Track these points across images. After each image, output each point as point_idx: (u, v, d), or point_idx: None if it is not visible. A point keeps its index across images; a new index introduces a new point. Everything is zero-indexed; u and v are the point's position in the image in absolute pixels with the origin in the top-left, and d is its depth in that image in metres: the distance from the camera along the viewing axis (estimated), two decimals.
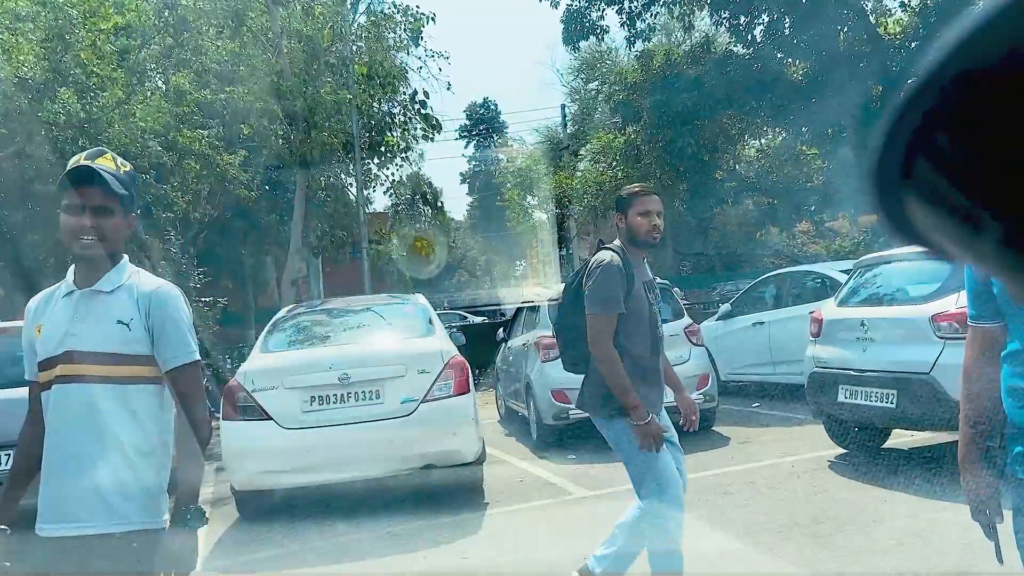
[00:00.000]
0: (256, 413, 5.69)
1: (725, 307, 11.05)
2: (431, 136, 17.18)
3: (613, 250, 3.52)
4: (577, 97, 37.34)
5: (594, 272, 3.47)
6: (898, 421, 5.88)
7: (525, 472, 7.30)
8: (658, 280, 10.21)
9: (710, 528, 5.00)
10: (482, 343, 13.55)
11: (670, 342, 8.29)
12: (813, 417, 6.85)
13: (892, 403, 5.67)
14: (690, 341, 8.25)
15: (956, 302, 5.38)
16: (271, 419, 5.70)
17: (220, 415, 5.85)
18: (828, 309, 6.68)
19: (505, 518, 5.81)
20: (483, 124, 51.55)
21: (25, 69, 12.17)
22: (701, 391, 8.03)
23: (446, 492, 6.45)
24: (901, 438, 6.77)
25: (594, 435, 8.16)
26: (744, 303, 10.79)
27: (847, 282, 6.80)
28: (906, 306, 5.88)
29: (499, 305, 26.18)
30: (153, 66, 15.66)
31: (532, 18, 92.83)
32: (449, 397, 5.93)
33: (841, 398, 6.11)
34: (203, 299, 14.18)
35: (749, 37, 14.92)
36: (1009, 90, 0.38)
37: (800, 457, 6.70)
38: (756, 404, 9.93)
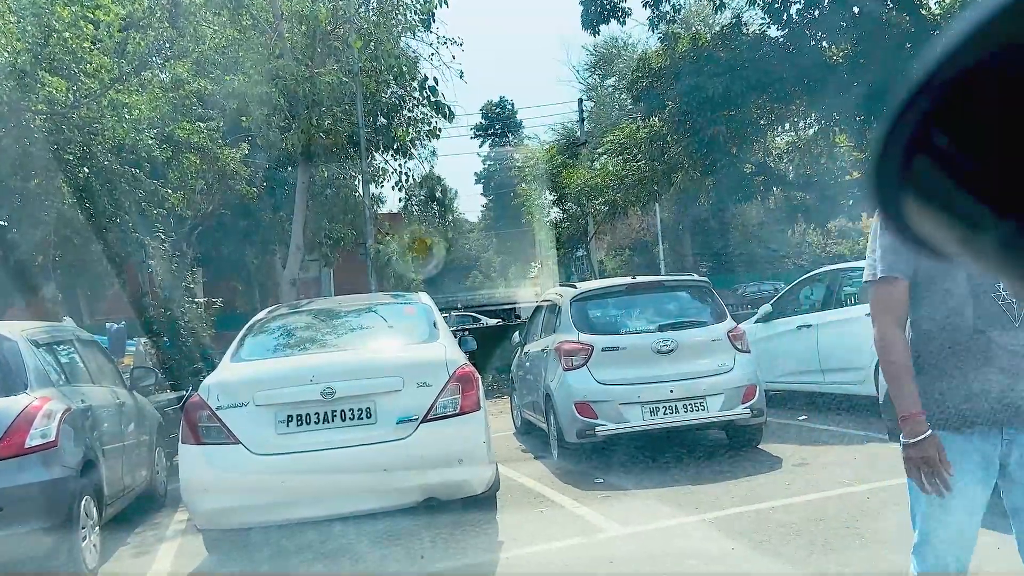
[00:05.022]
0: (221, 436, 4.69)
1: (765, 308, 9.95)
2: (439, 130, 16.19)
3: None
4: (593, 94, 36.44)
5: (874, 229, 2.60)
6: None
7: (546, 499, 6.26)
8: (694, 277, 9.06)
9: None
10: (496, 347, 12.61)
11: (710, 348, 7.34)
12: (889, 438, 5.76)
13: None
14: (734, 347, 7.18)
15: None
16: (239, 443, 4.69)
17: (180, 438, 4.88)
18: None
19: (524, 565, 4.77)
20: (499, 123, 50.73)
21: (6, 54, 11.31)
22: (747, 404, 7.01)
23: (452, 503, 5.44)
24: None
25: (625, 455, 7.25)
26: (786, 304, 9.71)
27: None
28: None
29: (515, 305, 25.26)
30: (153, 57, 14.86)
31: (547, 13, 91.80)
32: (455, 415, 4.92)
33: None
34: (198, 300, 13.24)
35: (784, 17, 13.80)
36: (1008, 90, 0.38)
37: (874, 486, 5.62)
38: (803, 417, 8.85)
